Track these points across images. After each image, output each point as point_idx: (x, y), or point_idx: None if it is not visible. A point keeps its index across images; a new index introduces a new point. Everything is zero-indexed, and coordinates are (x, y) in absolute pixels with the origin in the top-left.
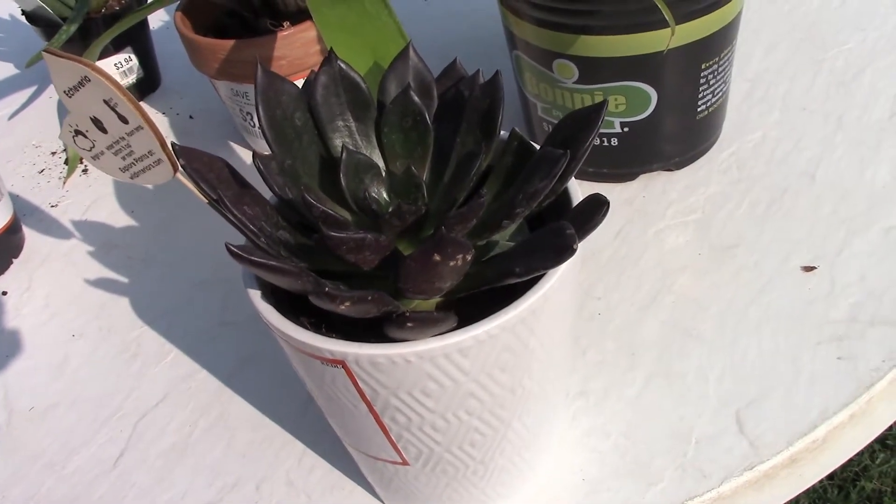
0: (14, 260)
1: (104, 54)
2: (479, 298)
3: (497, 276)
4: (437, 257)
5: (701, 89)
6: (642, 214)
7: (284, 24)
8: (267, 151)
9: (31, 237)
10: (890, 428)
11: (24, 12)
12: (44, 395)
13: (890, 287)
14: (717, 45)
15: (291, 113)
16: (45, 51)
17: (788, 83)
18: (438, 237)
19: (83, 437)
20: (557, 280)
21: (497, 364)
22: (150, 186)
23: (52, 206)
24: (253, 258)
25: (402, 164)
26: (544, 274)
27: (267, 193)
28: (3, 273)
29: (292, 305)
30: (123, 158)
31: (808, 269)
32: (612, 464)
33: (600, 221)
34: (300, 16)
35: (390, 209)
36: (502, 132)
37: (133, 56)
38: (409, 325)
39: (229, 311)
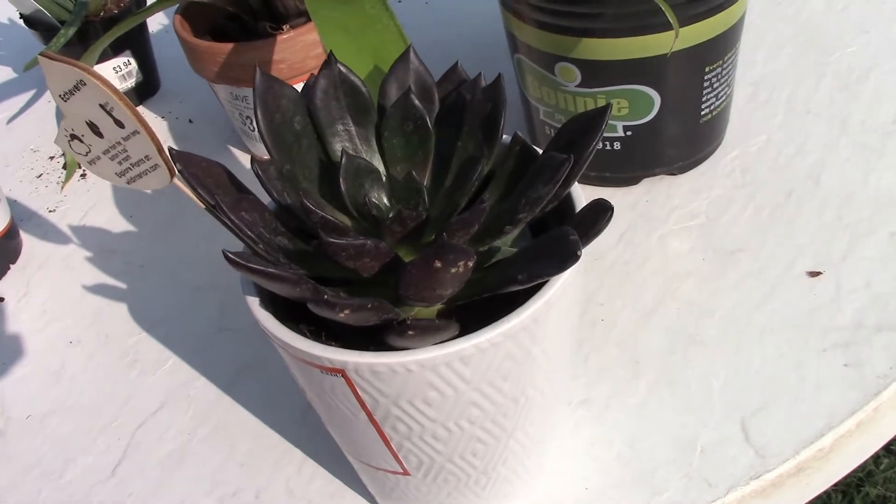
0: (11, 265)
1: (103, 58)
2: (480, 305)
3: (499, 283)
4: (438, 264)
5: (704, 93)
6: (645, 219)
7: (284, 27)
8: (266, 156)
9: (29, 242)
10: None
11: (21, 16)
12: (41, 402)
13: (895, 292)
14: (720, 48)
15: (290, 117)
16: (40, 54)
17: (792, 87)
18: (440, 244)
19: (80, 446)
20: (560, 287)
21: (499, 372)
22: (147, 191)
23: (50, 211)
24: (251, 265)
25: (403, 169)
26: (547, 281)
27: (265, 199)
28: (1, 279)
29: (291, 312)
30: (120, 163)
31: (814, 274)
32: (616, 473)
33: (604, 227)
34: (300, 19)
35: (391, 215)
36: (504, 136)
37: (132, 60)
38: (409, 333)
39: (228, 317)
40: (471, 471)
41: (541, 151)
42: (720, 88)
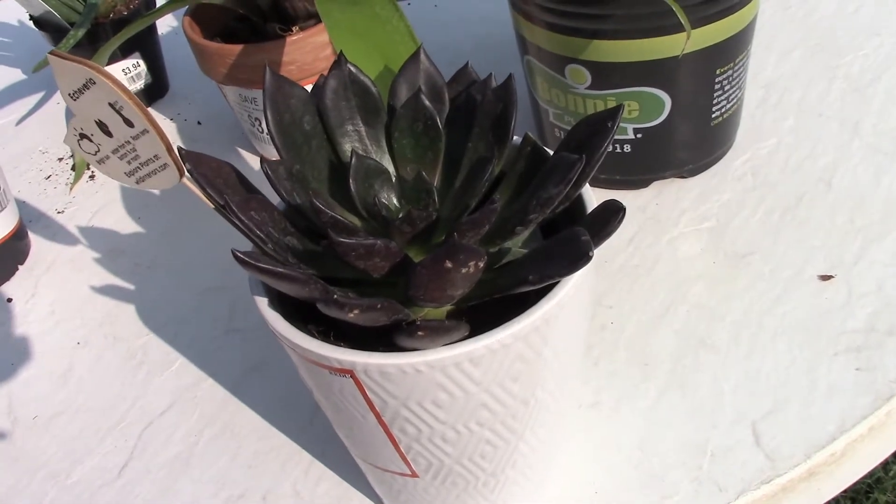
0: (20, 266)
1: (112, 60)
2: (490, 307)
3: (510, 284)
4: (448, 264)
5: (715, 95)
6: (655, 222)
7: (294, 28)
8: (275, 157)
9: (38, 243)
10: None
11: (31, 17)
12: (48, 403)
13: None
14: (732, 51)
15: (300, 117)
16: (50, 53)
17: (803, 90)
18: (450, 244)
19: (87, 447)
20: (572, 288)
21: (509, 374)
22: (156, 192)
23: (59, 213)
24: (259, 264)
25: (413, 170)
26: (558, 282)
27: (275, 199)
28: (9, 279)
29: (300, 313)
30: (129, 163)
31: (825, 277)
32: (626, 476)
33: (616, 228)
34: (309, 21)
35: (400, 215)
36: (515, 137)
37: (141, 62)
38: (419, 333)
39: (236, 318)
40: (479, 473)
41: (551, 153)
42: (731, 91)
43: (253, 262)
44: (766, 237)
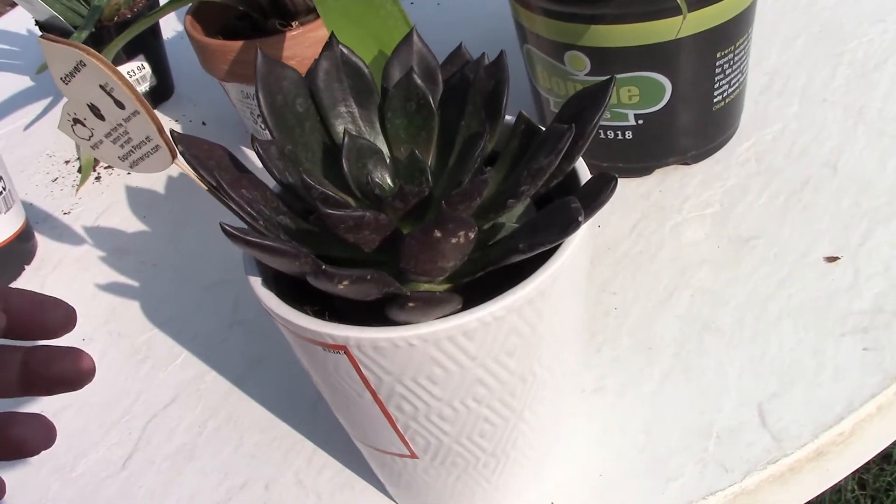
0: (26, 266)
1: (117, 62)
2: (486, 283)
3: (502, 254)
4: (437, 234)
5: (717, 79)
6: (659, 209)
7: (293, 24)
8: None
9: (44, 244)
10: None
11: (37, 23)
12: (53, 398)
13: None
14: (732, 34)
15: (293, 99)
16: (40, 37)
17: (807, 76)
18: (440, 213)
19: (92, 440)
20: (566, 260)
21: (504, 348)
22: (161, 191)
23: (65, 214)
24: (248, 238)
25: (407, 150)
26: (552, 255)
27: (269, 182)
28: (16, 279)
29: (295, 294)
30: (122, 146)
31: (831, 259)
32: (631, 460)
33: (608, 197)
34: (309, 16)
35: (394, 193)
36: (508, 117)
37: (146, 64)
38: (410, 305)
39: (240, 311)
40: (479, 453)
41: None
42: (732, 75)
43: (241, 235)
44: (770, 221)
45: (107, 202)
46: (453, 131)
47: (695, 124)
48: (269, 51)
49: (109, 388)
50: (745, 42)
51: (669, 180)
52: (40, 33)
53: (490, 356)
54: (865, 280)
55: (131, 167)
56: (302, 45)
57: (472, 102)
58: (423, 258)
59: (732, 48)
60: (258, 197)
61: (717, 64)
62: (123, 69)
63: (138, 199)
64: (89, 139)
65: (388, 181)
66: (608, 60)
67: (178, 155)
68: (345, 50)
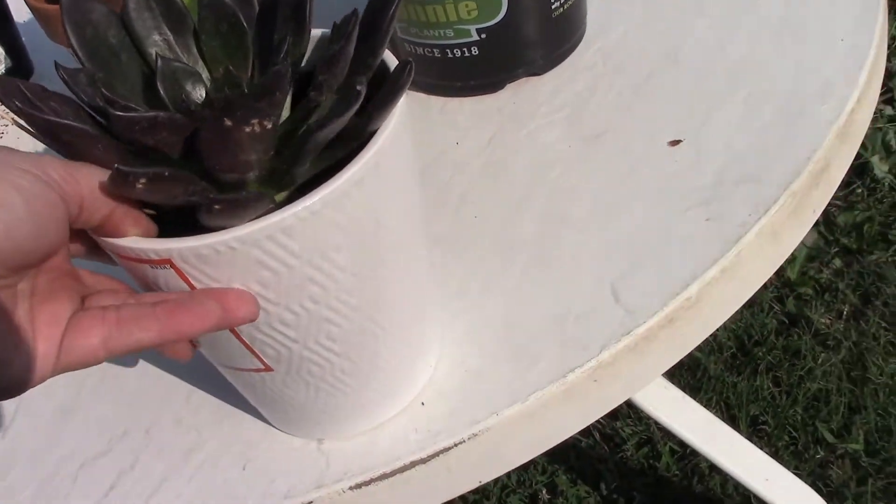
0: None
1: None
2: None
3: (301, 140)
4: (228, 123)
5: None
6: (513, 120)
7: None
8: None
9: None
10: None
11: None
12: None
13: (752, 148)
14: None
15: (104, 31)
16: None
17: None
18: (225, 100)
19: None
20: (379, 148)
21: (330, 244)
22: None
23: None
24: (33, 112)
25: (225, 69)
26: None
27: None
28: None
29: None
30: None
31: (674, 143)
32: (494, 352)
33: (408, 80)
34: None
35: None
36: (324, 31)
37: None
38: (217, 207)
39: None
40: (332, 357)
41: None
42: None
43: (39, 115)
44: (618, 116)
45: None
46: (269, 48)
47: (537, 33)
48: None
49: None
50: None
51: (522, 92)
52: None
53: (317, 253)
54: (707, 157)
55: None
56: None
57: (282, 16)
58: (219, 150)
59: None
60: (68, 114)
61: None
62: None
63: None
64: None
65: (206, 98)
66: None
67: None
68: None
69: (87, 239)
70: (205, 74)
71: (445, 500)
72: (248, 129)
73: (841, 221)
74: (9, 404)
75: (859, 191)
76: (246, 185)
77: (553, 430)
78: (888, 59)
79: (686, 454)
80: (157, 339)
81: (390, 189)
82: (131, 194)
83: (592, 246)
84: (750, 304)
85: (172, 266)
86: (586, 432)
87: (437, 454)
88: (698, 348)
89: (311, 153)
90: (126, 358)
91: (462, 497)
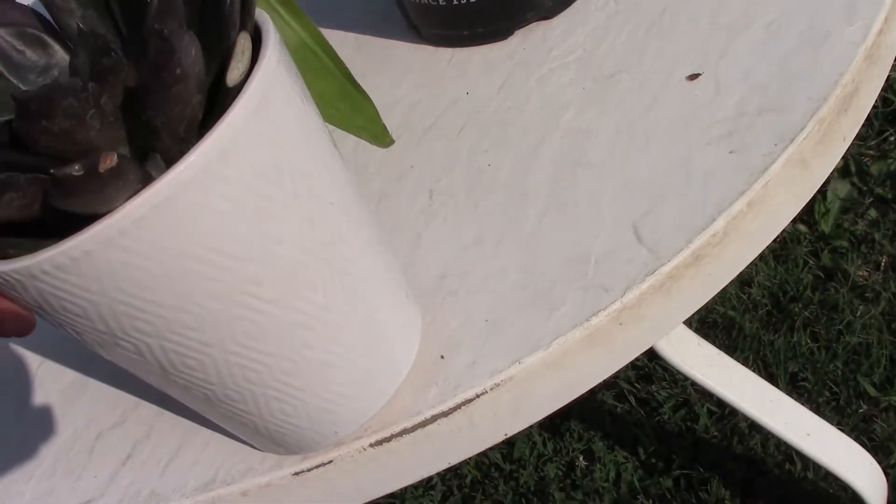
0: None
1: None
2: None
3: None
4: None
5: None
6: (523, 65)
7: None
8: None
9: None
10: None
11: None
12: None
13: (775, 77)
14: None
15: None
16: None
17: None
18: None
19: None
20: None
21: (205, 231)
22: None
23: None
24: None
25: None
26: None
27: None
28: None
29: None
30: None
31: (693, 77)
32: (514, 300)
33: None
34: None
35: None
36: None
37: None
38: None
39: None
40: (265, 359)
41: None
42: None
43: None
44: (632, 54)
45: None
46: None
47: None
48: None
49: None
50: None
51: (532, 37)
52: None
53: (194, 242)
54: (727, 89)
55: None
56: None
57: None
58: None
59: None
60: None
61: None
62: None
63: None
64: None
65: None
66: None
67: None
68: None
69: None
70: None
71: (469, 455)
72: None
73: (874, 171)
74: (21, 382)
75: (892, 139)
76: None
77: (578, 377)
78: None
79: (724, 415)
80: None
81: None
82: None
83: (611, 187)
84: (784, 260)
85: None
86: (621, 397)
87: (458, 406)
88: (732, 307)
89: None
90: None
91: (497, 466)
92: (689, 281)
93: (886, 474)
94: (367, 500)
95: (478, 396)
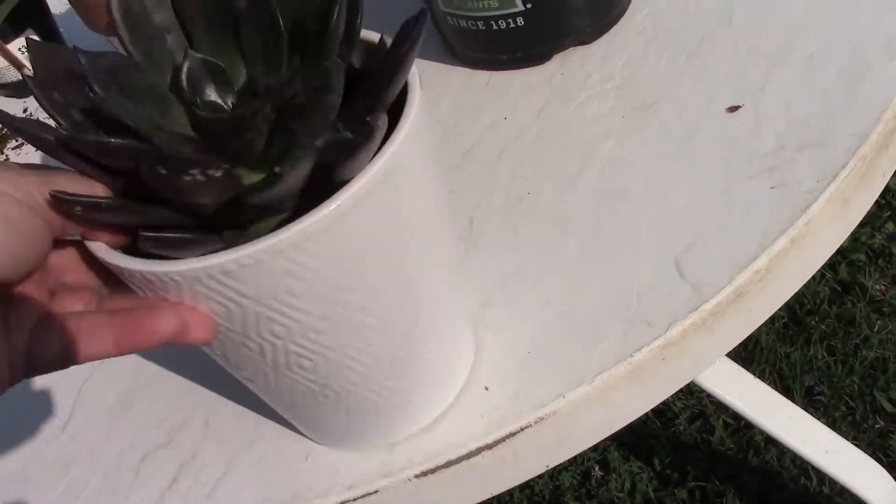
0: None
1: (5, 39)
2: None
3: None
4: (162, 171)
5: None
6: (562, 91)
7: None
8: None
9: None
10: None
11: None
12: None
13: (815, 110)
14: None
15: (151, 10)
16: None
17: None
18: (166, 152)
19: (30, 407)
20: (390, 158)
21: (285, 288)
22: None
23: None
24: (80, 137)
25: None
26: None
27: None
28: None
29: None
30: None
31: (733, 109)
32: (557, 332)
33: (421, 27)
34: None
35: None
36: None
37: (35, 37)
38: (146, 243)
39: None
40: (371, 362)
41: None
42: None
43: (65, 132)
44: (671, 83)
45: None
46: (304, 50)
47: (585, 0)
48: None
49: None
50: None
51: (570, 62)
52: None
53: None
54: (767, 122)
55: None
56: None
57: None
58: (164, 191)
59: None
60: (80, 103)
61: None
62: (14, 45)
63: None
64: None
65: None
66: None
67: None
68: None
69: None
70: (241, 71)
71: (511, 486)
72: (187, 179)
73: (892, 185)
74: (66, 399)
75: None
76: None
77: (620, 411)
78: None
79: (740, 427)
80: (113, 352)
81: (410, 190)
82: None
83: (652, 219)
84: None
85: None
86: None
87: (503, 439)
88: None
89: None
90: (180, 350)
91: None
92: (730, 317)
93: None
94: None
95: (522, 430)
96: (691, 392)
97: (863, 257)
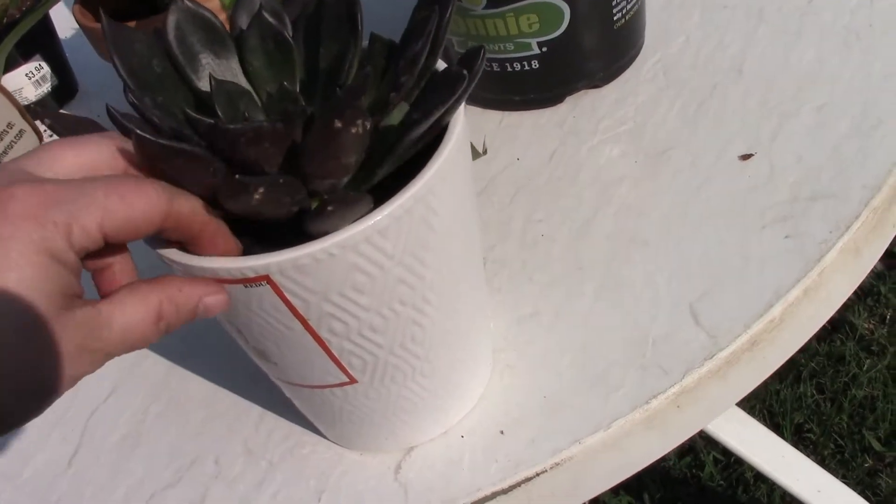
0: None
1: (12, 65)
2: (382, 195)
3: (398, 134)
4: (338, 124)
5: None
6: (574, 134)
7: None
8: None
9: None
10: (872, 333)
11: None
12: None
13: (827, 161)
14: None
15: (148, 61)
16: None
17: None
18: (336, 102)
19: (36, 442)
20: (454, 145)
21: (419, 242)
22: None
23: None
24: (160, 141)
25: (274, 86)
26: (439, 146)
27: None
28: None
29: None
30: None
31: (745, 157)
32: (572, 377)
33: (482, 64)
34: None
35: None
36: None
37: (43, 64)
38: (329, 209)
39: None
40: (414, 361)
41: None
42: None
43: (150, 136)
44: (683, 131)
45: None
46: (314, 61)
47: (598, 45)
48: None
49: None
50: None
51: (582, 105)
52: None
53: (407, 252)
54: (780, 172)
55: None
56: None
57: (327, 28)
58: (324, 155)
59: None
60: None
61: None
62: (21, 71)
63: None
64: None
65: (263, 118)
66: None
67: (48, 129)
68: (190, 4)
69: None
70: (252, 93)
71: None
72: (353, 130)
73: None
74: (72, 437)
75: None
76: (337, 191)
77: (635, 457)
78: None
79: (730, 463)
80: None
81: (462, 185)
82: (247, 205)
83: (666, 266)
84: None
85: (269, 282)
86: None
87: (518, 484)
88: None
89: (399, 154)
90: (190, 384)
91: None
92: (744, 365)
93: None
94: None
95: (538, 475)
96: None
97: (852, 296)
